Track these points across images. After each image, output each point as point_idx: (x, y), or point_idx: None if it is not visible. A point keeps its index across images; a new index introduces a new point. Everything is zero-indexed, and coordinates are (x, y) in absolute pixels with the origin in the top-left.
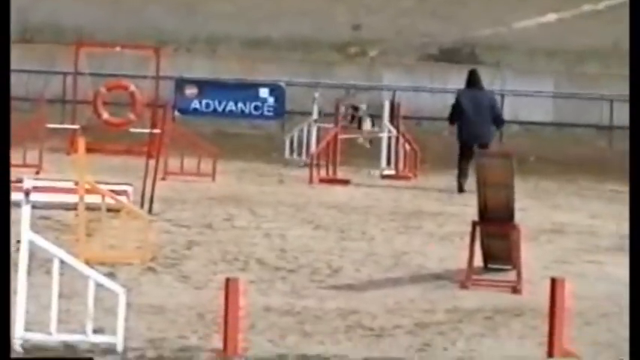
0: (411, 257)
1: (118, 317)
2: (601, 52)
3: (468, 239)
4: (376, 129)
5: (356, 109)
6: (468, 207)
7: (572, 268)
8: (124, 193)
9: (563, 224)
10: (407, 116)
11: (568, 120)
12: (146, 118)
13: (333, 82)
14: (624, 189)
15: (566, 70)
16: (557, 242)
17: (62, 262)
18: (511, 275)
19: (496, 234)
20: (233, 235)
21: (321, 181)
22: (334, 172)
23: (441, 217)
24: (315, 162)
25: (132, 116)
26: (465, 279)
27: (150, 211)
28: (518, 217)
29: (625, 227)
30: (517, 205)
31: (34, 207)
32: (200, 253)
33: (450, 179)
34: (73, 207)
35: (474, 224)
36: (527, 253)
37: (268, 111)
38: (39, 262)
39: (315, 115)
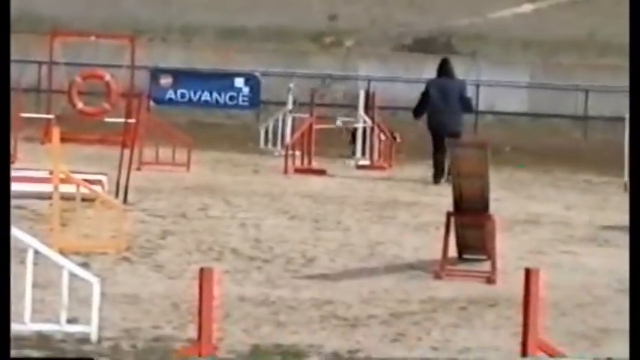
0: (385, 247)
1: (92, 307)
2: (577, 43)
3: (442, 229)
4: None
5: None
6: (443, 197)
7: (546, 259)
8: (98, 182)
9: (537, 215)
10: (382, 106)
11: (543, 110)
12: (121, 107)
13: (308, 72)
14: (599, 179)
15: (541, 60)
16: (532, 233)
17: (36, 251)
18: (485, 266)
19: (471, 224)
20: (208, 225)
21: (297, 171)
22: (309, 162)
23: (415, 208)
24: (290, 152)
25: (107, 106)
26: (440, 269)
27: (125, 200)
28: (493, 207)
29: (599, 218)
30: (492, 196)
31: None
32: (175, 243)
33: (424, 169)
34: (47, 196)
35: (449, 215)
36: (502, 243)
37: (243, 101)
38: (13, 251)
39: (290, 105)
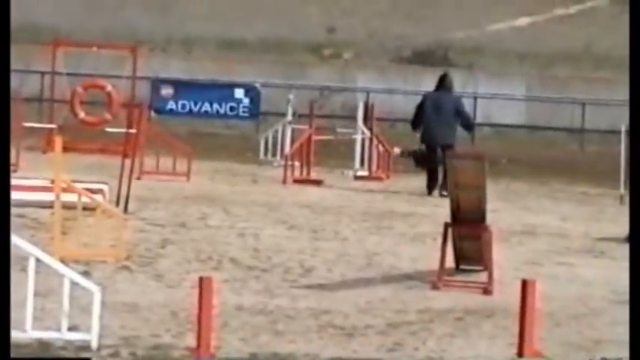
0: (383, 257)
1: (93, 315)
2: (573, 56)
3: (439, 240)
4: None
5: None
6: (440, 208)
7: (542, 270)
8: (99, 191)
9: (534, 226)
10: (380, 118)
11: (540, 123)
12: (122, 117)
13: (307, 83)
14: (595, 191)
15: (538, 73)
16: (528, 244)
17: (38, 260)
18: (482, 276)
19: (468, 235)
20: (207, 235)
21: (295, 181)
22: (308, 172)
23: (413, 218)
24: (289, 162)
25: (108, 116)
26: (437, 280)
27: (125, 209)
28: (490, 218)
29: (595, 229)
30: (489, 207)
31: None
32: (174, 252)
33: (422, 180)
34: (49, 205)
35: (446, 225)
36: (499, 254)
37: (243, 112)
38: (15, 259)
39: (289, 116)
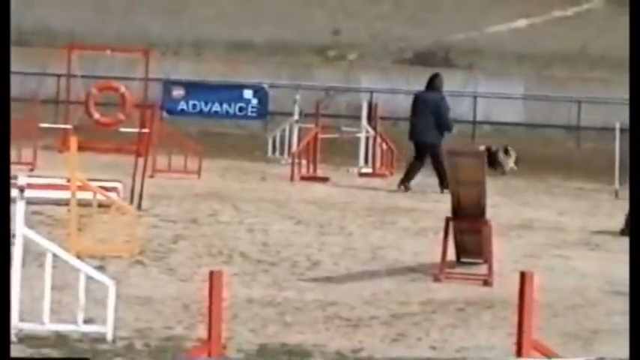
0: (386, 251)
1: (108, 308)
2: (569, 56)
3: (441, 234)
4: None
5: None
6: (441, 203)
7: (540, 262)
8: (113, 189)
9: (532, 220)
10: (384, 117)
11: (538, 121)
12: (135, 118)
13: (313, 84)
14: (590, 187)
15: (535, 73)
16: (527, 237)
17: (55, 255)
18: (482, 269)
19: (468, 229)
20: (217, 230)
21: (302, 178)
22: (314, 169)
23: (415, 213)
24: (296, 160)
25: (122, 116)
26: (439, 272)
27: (139, 206)
28: (490, 213)
29: (590, 223)
30: (488, 202)
31: (28, 203)
32: (186, 247)
33: (424, 177)
34: (65, 203)
35: (447, 220)
36: (498, 247)
37: (252, 112)
38: (32, 255)
39: (296, 116)
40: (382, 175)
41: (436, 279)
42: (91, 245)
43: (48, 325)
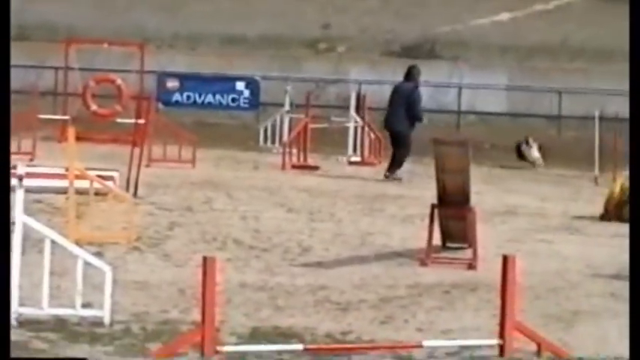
0: (375, 237)
1: (105, 293)
2: (550, 48)
3: (427, 220)
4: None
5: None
6: (428, 191)
7: (523, 247)
8: (110, 178)
9: (515, 206)
10: (372, 107)
11: (520, 110)
12: (131, 109)
13: (303, 76)
14: (571, 173)
15: (518, 64)
16: (510, 223)
17: (53, 242)
18: (467, 253)
19: (453, 216)
20: (211, 217)
21: (293, 167)
22: (305, 158)
23: (402, 201)
24: (287, 149)
25: (118, 108)
26: (425, 257)
27: (135, 195)
28: (474, 200)
29: (571, 209)
30: (473, 189)
31: (27, 191)
32: (181, 234)
33: (411, 165)
34: (63, 191)
35: (433, 207)
36: (482, 233)
37: (244, 103)
38: (32, 242)
39: (287, 107)
40: (371, 164)
41: (423, 263)
42: (89, 232)
43: (47, 310)
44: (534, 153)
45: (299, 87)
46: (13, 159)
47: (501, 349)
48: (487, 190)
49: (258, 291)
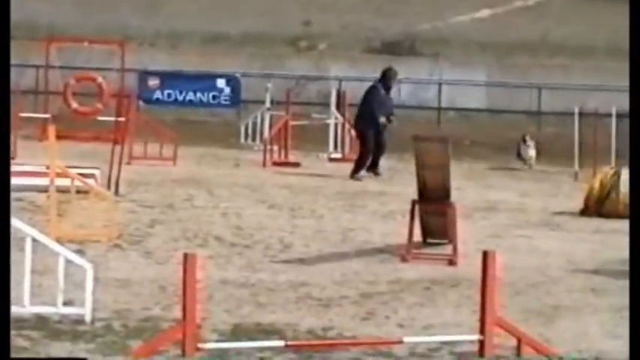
0: (356, 233)
1: (86, 290)
2: (530, 45)
3: (408, 217)
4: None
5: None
6: (409, 187)
7: (504, 242)
8: (92, 176)
9: (495, 202)
10: (352, 104)
11: (500, 107)
12: (112, 107)
13: (284, 73)
14: (552, 169)
15: (498, 61)
16: (490, 219)
17: (34, 240)
18: (448, 249)
19: (434, 211)
20: (193, 215)
21: (274, 164)
22: (286, 155)
23: (383, 197)
24: (268, 146)
25: (99, 106)
26: (406, 253)
27: (116, 192)
28: (454, 196)
29: (551, 204)
30: (453, 185)
31: None
32: (162, 231)
33: (392, 162)
34: (45, 189)
35: (414, 203)
36: (463, 228)
37: (225, 100)
38: (13, 240)
39: (268, 104)
40: (351, 160)
41: (403, 259)
42: (70, 230)
43: (29, 308)
44: (530, 152)
45: (280, 84)
46: None
47: (482, 344)
48: (467, 186)
49: (239, 288)
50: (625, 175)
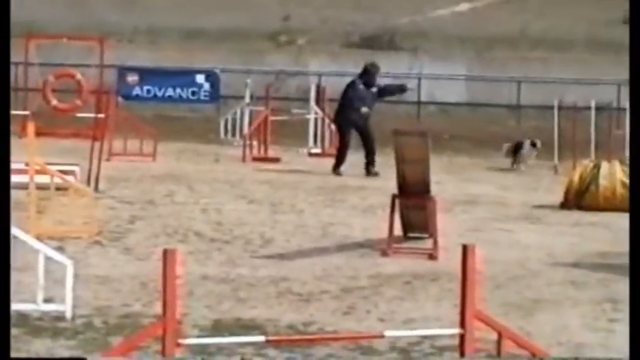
0: (336, 228)
1: (67, 287)
2: (509, 38)
3: (388, 211)
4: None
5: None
6: (389, 181)
7: (484, 236)
8: (71, 173)
9: (475, 196)
10: (332, 99)
11: (480, 100)
12: (91, 103)
13: (264, 68)
14: (531, 162)
15: (477, 54)
16: (471, 212)
17: (14, 237)
18: (428, 243)
19: (414, 206)
20: (173, 210)
21: (254, 159)
22: (265, 150)
23: (363, 191)
24: (248, 142)
25: (78, 102)
26: (386, 247)
27: (96, 189)
28: (434, 190)
29: (531, 198)
30: (433, 179)
31: None
32: (142, 227)
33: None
34: (24, 186)
35: (394, 197)
36: (443, 222)
37: (204, 96)
38: None
39: (247, 99)
40: (331, 155)
41: (384, 254)
42: (50, 227)
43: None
44: (533, 156)
45: (259, 79)
46: None
47: (462, 338)
48: (447, 180)
49: (220, 283)
50: (605, 168)
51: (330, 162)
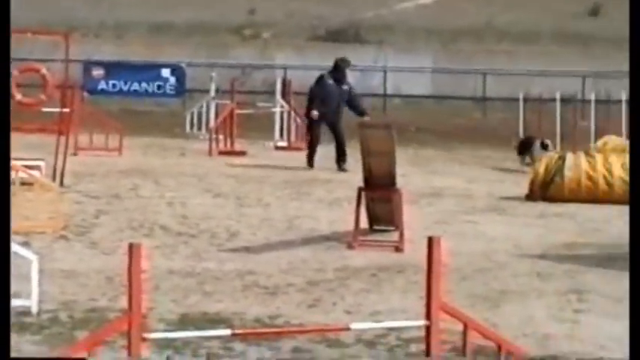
0: (302, 221)
1: (32, 282)
2: (475, 31)
3: (354, 204)
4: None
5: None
6: (355, 174)
7: (450, 228)
8: (37, 167)
9: (441, 188)
10: (298, 92)
11: (445, 93)
12: (57, 98)
13: (229, 62)
14: (497, 155)
15: (443, 47)
16: (437, 205)
17: None
18: (394, 236)
19: (380, 198)
20: (139, 204)
21: (220, 153)
22: (232, 144)
23: (330, 184)
24: (213, 136)
25: (43, 97)
26: (352, 240)
27: (61, 183)
28: (400, 182)
29: (497, 190)
30: (399, 172)
31: None
32: (108, 222)
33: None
34: None
35: (360, 190)
36: (409, 215)
37: (170, 90)
38: None
39: (213, 93)
40: (297, 149)
41: (350, 247)
42: (15, 222)
43: None
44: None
45: (225, 73)
46: None
47: (428, 330)
48: (413, 173)
49: (186, 277)
50: (570, 159)
51: (296, 155)
